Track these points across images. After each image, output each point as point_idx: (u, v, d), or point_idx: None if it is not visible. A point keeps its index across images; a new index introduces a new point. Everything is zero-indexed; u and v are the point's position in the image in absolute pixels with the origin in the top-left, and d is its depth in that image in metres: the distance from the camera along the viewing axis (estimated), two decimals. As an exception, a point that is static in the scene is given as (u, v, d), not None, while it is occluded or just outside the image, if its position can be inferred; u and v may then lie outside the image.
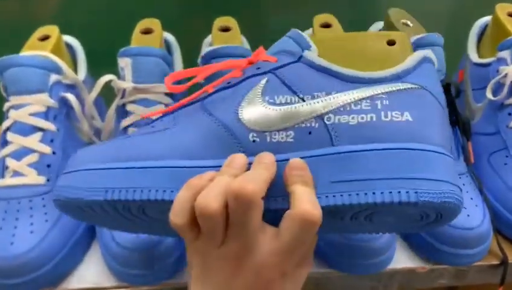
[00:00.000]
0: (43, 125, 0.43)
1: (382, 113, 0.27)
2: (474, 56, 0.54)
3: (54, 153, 0.43)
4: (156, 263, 0.39)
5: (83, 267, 0.42)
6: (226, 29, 0.52)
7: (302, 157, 0.27)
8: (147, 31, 0.51)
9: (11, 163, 0.42)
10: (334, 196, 0.26)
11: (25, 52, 0.47)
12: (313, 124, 0.27)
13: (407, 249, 0.44)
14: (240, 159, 0.27)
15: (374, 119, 0.27)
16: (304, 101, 0.28)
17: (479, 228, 0.41)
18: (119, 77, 0.46)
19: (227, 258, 0.27)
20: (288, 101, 0.28)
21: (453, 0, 0.72)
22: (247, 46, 0.54)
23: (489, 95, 0.47)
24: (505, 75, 0.46)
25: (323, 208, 0.26)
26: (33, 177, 0.42)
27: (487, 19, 0.55)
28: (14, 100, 0.43)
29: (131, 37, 0.51)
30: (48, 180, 0.42)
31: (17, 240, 0.39)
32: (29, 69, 0.44)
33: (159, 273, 0.39)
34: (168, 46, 0.54)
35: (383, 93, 0.28)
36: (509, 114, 0.47)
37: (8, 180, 0.42)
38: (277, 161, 0.27)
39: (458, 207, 0.27)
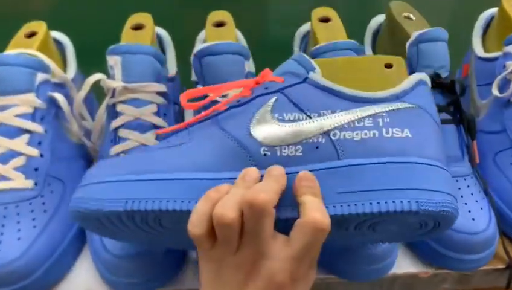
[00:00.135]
0: (30, 127, 0.42)
1: (384, 129, 0.29)
2: (479, 50, 0.52)
3: (41, 155, 0.42)
4: (147, 271, 0.38)
5: (73, 273, 0.41)
6: (220, 24, 0.51)
7: (310, 170, 0.29)
8: (138, 27, 0.50)
9: (-4, 167, 0.40)
10: (341, 206, 0.28)
11: (10, 51, 0.45)
12: (320, 140, 0.30)
13: (410, 254, 0.43)
14: (253, 172, 0.29)
15: (377, 135, 0.29)
16: (311, 118, 0.30)
17: (484, 232, 0.40)
18: (109, 75, 0.44)
19: (241, 264, 0.28)
20: (297, 118, 0.30)
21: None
22: (242, 41, 0.52)
23: (495, 91, 0.46)
24: (512, 71, 0.45)
25: (329, 217, 0.28)
26: (20, 182, 0.40)
27: (493, 11, 0.53)
28: (-1, 101, 0.42)
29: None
30: (35, 184, 0.41)
31: (4, 247, 0.37)
32: (15, 68, 0.42)
33: (150, 282, 0.39)
34: (160, 41, 0.53)
35: (384, 112, 0.30)
36: (516, 111, 0.45)
37: (-6, 185, 0.40)
38: (287, 173, 0.29)
39: (454, 216, 0.29)
